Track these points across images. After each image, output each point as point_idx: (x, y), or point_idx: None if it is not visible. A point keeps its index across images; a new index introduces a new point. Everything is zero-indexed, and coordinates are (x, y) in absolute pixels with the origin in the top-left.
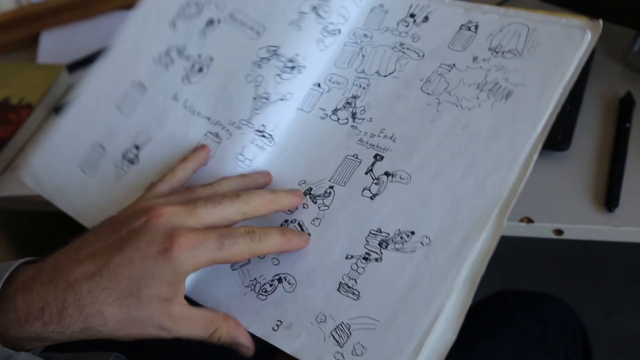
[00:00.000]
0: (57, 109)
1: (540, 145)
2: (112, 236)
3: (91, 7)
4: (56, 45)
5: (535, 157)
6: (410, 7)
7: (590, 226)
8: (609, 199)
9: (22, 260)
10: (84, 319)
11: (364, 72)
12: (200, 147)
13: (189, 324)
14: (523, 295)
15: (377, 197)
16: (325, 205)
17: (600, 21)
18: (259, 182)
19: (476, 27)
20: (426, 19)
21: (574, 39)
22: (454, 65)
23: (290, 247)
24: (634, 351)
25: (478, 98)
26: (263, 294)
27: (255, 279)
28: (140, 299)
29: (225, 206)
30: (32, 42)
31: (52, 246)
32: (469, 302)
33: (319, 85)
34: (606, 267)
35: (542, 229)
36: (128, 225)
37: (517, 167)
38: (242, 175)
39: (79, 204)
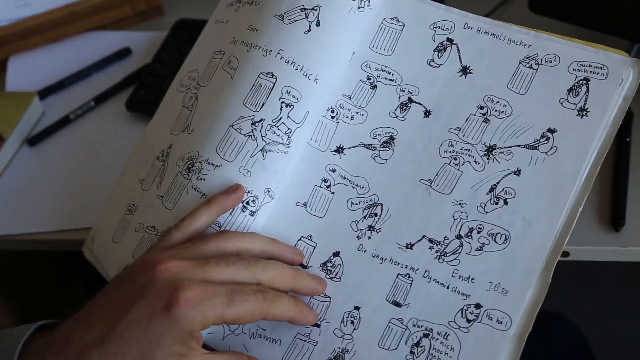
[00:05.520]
0: (30, 140)
1: (584, 200)
2: (119, 295)
3: (60, 29)
4: (25, 70)
5: (579, 210)
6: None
7: (597, 247)
8: (615, 218)
9: (35, 327)
10: None
11: None
12: (233, 189)
13: None
14: None
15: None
16: None
17: None
18: (285, 255)
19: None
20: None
21: (617, 78)
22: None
23: (301, 318)
24: (630, 354)
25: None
26: None
27: None
28: None
29: (239, 268)
30: None
31: (39, 285)
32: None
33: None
34: (593, 268)
35: None
36: (133, 282)
37: (560, 222)
38: (271, 239)
39: None
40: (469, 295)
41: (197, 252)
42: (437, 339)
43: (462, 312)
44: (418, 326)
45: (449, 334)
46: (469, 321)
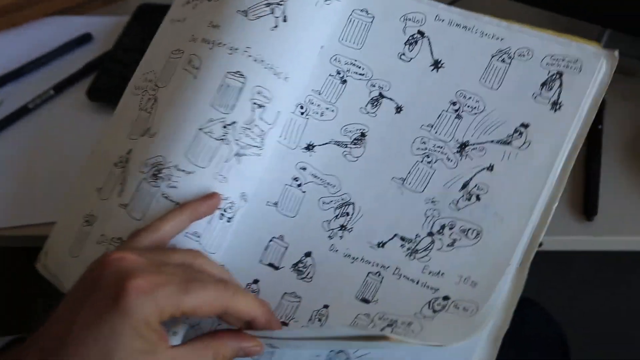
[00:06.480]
0: None
1: (559, 194)
2: (74, 295)
3: (18, 14)
4: None
5: (555, 205)
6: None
7: (570, 237)
8: (587, 207)
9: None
10: None
11: None
12: (208, 196)
13: None
14: None
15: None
16: None
17: (617, 52)
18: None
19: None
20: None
21: (590, 71)
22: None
23: (264, 321)
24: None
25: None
26: None
27: None
28: None
29: (204, 284)
30: None
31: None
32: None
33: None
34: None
35: None
36: (88, 278)
37: (534, 216)
38: (238, 287)
39: None
40: (438, 289)
41: (159, 258)
42: (400, 327)
43: (429, 304)
44: (384, 319)
45: (412, 322)
46: (435, 311)
